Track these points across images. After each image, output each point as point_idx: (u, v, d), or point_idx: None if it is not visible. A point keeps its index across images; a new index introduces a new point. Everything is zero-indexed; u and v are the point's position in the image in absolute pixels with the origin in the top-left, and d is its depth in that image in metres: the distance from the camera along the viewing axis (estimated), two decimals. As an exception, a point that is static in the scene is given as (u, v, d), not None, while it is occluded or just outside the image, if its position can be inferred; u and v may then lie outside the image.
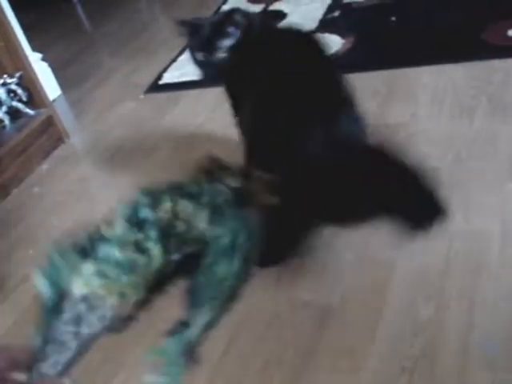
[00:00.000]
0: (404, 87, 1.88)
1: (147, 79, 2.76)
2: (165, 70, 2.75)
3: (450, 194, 1.56)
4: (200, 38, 1.60)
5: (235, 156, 1.93)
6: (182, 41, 2.66)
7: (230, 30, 1.57)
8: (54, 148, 2.38)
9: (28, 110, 2.35)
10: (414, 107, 1.92)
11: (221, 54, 1.58)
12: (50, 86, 2.73)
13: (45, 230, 1.95)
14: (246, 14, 1.61)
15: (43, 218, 2.02)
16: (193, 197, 1.16)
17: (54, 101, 2.68)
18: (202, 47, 1.60)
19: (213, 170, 1.25)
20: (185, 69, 2.62)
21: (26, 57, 2.38)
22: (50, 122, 2.38)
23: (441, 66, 2.13)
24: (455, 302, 1.31)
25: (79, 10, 4.19)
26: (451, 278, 1.37)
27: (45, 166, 2.31)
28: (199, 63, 1.64)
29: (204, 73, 1.66)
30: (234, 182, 1.22)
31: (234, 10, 1.59)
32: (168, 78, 2.68)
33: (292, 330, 1.35)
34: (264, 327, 1.37)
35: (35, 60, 2.68)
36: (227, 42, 1.57)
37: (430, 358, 1.22)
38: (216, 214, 1.15)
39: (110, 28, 3.63)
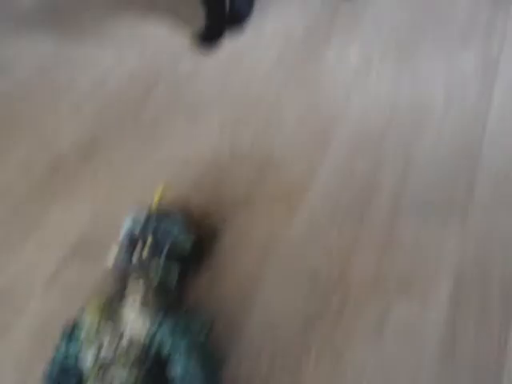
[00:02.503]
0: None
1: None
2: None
3: (402, 57, 1.60)
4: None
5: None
6: None
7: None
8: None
9: None
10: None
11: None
12: None
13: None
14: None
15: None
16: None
17: None
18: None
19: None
20: None
21: None
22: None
23: None
24: (391, 162, 1.35)
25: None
26: (391, 140, 1.40)
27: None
28: None
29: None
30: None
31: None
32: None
33: (230, 178, 1.37)
34: (202, 174, 1.38)
35: None
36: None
37: (361, 209, 1.27)
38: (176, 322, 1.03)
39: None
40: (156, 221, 1.16)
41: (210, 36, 1.74)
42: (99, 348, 0.99)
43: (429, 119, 1.45)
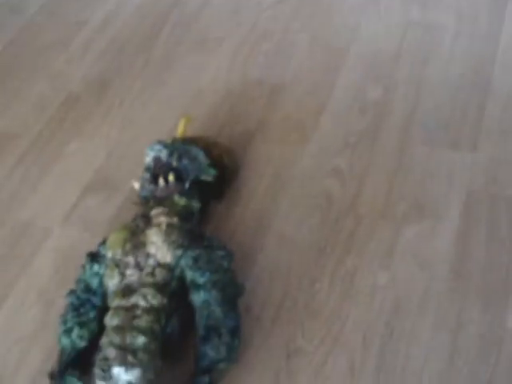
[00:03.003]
0: None
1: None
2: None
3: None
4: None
5: None
6: None
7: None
8: None
9: None
10: None
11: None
12: None
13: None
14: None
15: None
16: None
17: None
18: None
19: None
20: None
21: None
22: None
23: None
24: (403, 86, 1.36)
25: None
26: (402, 64, 1.40)
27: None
28: None
29: None
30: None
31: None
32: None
33: (244, 105, 1.38)
34: (215, 107, 1.39)
35: None
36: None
37: (373, 134, 1.28)
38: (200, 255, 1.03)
39: None
40: (179, 151, 1.16)
41: None
42: (125, 268, 1.00)
43: (440, 40, 1.45)
